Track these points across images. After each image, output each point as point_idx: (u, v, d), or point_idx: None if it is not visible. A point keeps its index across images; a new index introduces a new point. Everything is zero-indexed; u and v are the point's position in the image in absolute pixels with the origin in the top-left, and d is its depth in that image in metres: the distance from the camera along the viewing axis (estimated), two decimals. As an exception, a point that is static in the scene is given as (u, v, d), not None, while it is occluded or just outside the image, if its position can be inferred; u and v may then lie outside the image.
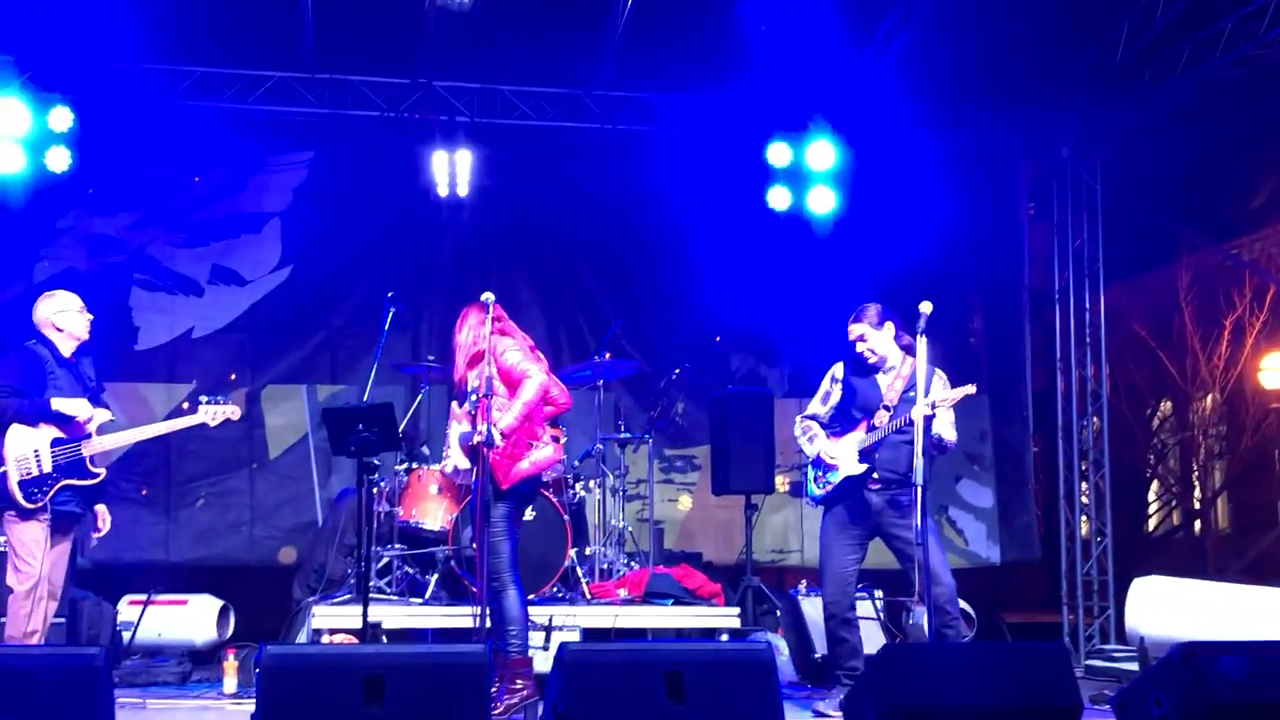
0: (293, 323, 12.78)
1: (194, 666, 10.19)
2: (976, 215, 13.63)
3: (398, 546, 10.03)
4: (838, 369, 8.51)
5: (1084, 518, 13.22)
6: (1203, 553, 18.63)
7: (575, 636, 9.19)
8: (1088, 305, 13.22)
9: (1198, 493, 19.56)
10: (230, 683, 8.98)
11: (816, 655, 9.61)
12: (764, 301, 13.46)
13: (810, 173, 12.28)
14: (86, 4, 10.71)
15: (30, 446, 7.75)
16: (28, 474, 7.71)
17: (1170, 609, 10.32)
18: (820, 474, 8.37)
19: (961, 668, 5.93)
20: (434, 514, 9.97)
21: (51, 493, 7.78)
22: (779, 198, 12.39)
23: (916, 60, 11.65)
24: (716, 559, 12.57)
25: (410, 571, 10.04)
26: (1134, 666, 10.33)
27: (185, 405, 8.62)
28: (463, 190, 12.24)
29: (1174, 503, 20.27)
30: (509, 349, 7.91)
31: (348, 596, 9.65)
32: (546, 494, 9.80)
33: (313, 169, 12.91)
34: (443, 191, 12.23)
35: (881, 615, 10.20)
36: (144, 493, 12.20)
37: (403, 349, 12.30)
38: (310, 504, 12.50)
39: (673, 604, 10.01)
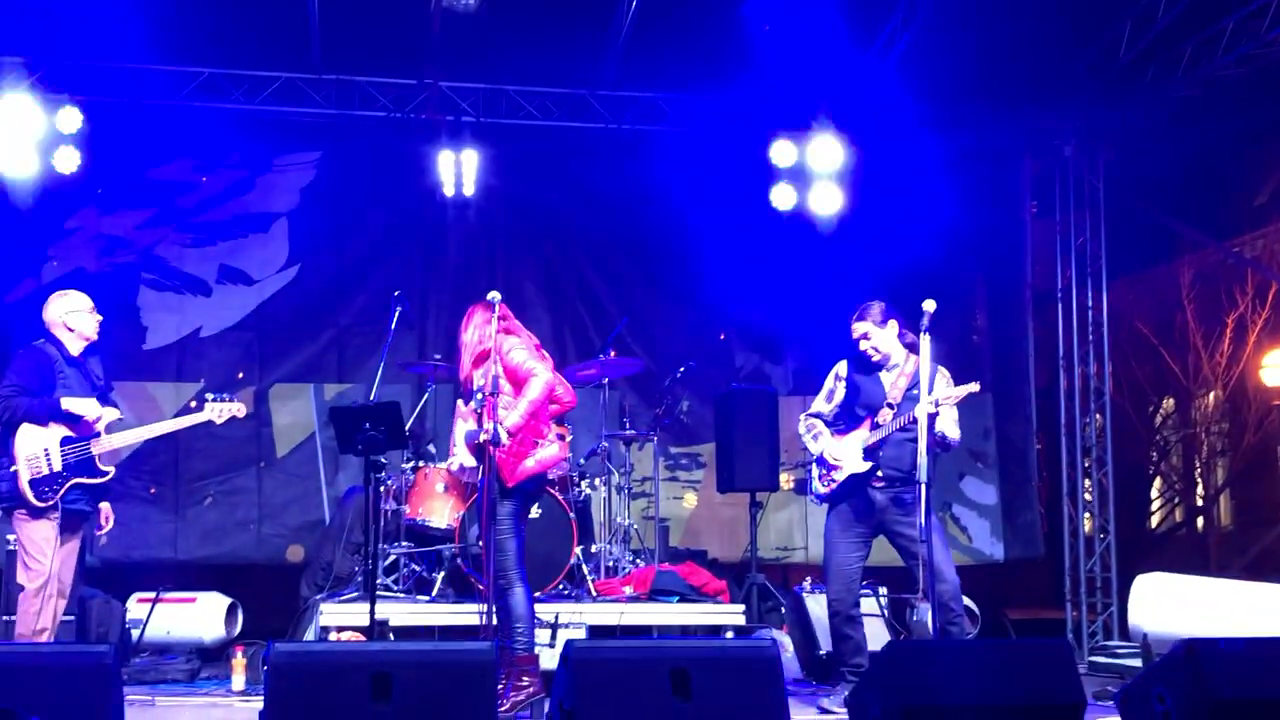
0: (300, 322, 12.81)
1: (202, 664, 10.20)
2: (979, 213, 13.63)
3: (404, 544, 10.02)
4: (841, 367, 8.50)
5: (1087, 515, 13.25)
6: (1205, 549, 18.65)
7: (581, 634, 9.15)
8: (1090, 303, 13.23)
9: (1200, 490, 19.56)
10: (238, 680, 8.98)
11: (821, 652, 9.61)
12: (768, 300, 13.48)
13: (814, 172, 12.27)
14: (95, 5, 10.73)
15: (41, 445, 7.81)
16: (38, 473, 7.76)
17: (1173, 605, 10.29)
18: (824, 472, 8.36)
19: (966, 664, 5.91)
20: (440, 512, 9.93)
21: (62, 491, 7.83)
22: (783, 197, 12.41)
23: (919, 59, 11.65)
24: (721, 556, 12.55)
25: (417, 569, 10.02)
26: (1137, 663, 10.32)
27: (193, 404, 8.64)
28: (468, 190, 12.26)
29: (1176, 500, 20.26)
30: (515, 348, 7.89)
31: (355, 594, 9.60)
32: (552, 492, 9.77)
33: (320, 169, 12.94)
34: (449, 191, 12.24)
35: (886, 612, 10.18)
36: (152, 491, 12.22)
37: (409, 348, 12.34)
38: (318, 502, 12.54)
39: (678, 601, 9.97)
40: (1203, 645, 5.65)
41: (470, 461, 8.46)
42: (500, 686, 7.17)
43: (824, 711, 8.05)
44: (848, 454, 8.22)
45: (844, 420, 8.39)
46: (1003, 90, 12.79)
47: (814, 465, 8.53)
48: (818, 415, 8.52)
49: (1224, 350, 17.65)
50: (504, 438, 7.61)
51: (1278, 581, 10.65)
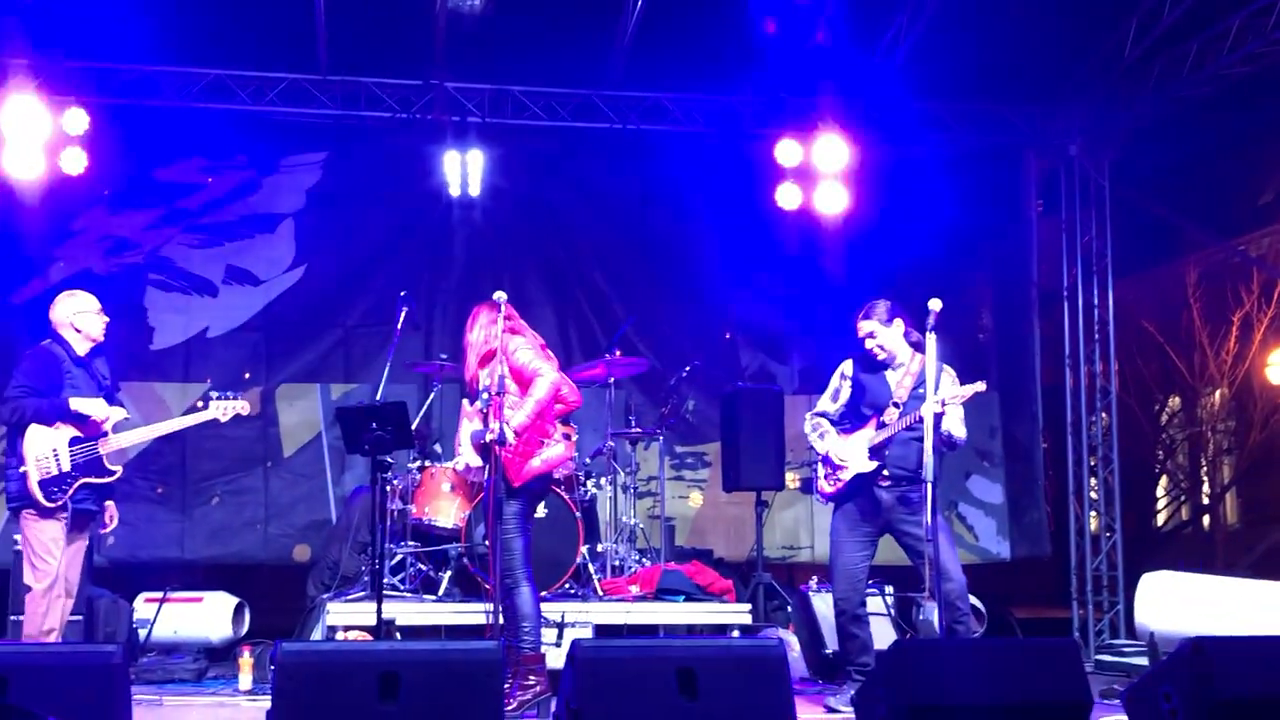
0: (307, 322, 12.82)
1: (210, 663, 10.19)
2: (985, 212, 13.62)
3: (411, 544, 10.03)
4: (846, 366, 8.50)
5: (1093, 513, 13.21)
6: (1212, 548, 18.66)
7: (587, 633, 9.14)
8: (1096, 301, 13.23)
9: (1206, 488, 19.59)
10: (246, 679, 9.00)
11: (828, 651, 9.62)
12: (774, 299, 13.52)
13: (819, 171, 12.26)
14: (101, 7, 10.75)
15: (49, 446, 7.82)
16: (48, 473, 7.77)
17: (1179, 604, 10.28)
18: (830, 471, 8.36)
19: (972, 663, 5.92)
20: (447, 511, 9.96)
21: (71, 491, 7.84)
22: (788, 196, 12.39)
23: (925, 58, 11.67)
24: (727, 555, 12.58)
25: (424, 569, 10.03)
26: (1143, 661, 10.34)
27: (200, 404, 8.64)
28: (474, 190, 12.29)
29: (1183, 498, 20.28)
30: (520, 348, 7.91)
31: (362, 594, 9.59)
32: (558, 491, 9.78)
33: (326, 170, 12.94)
34: (454, 191, 12.29)
35: (892, 611, 10.22)
36: (160, 491, 12.24)
37: (415, 348, 12.29)
38: (324, 502, 12.55)
39: (684, 600, 9.96)
40: (1209, 644, 5.63)
41: (476, 461, 8.50)
42: (507, 686, 7.15)
43: (831, 710, 8.07)
44: (853, 453, 8.22)
45: (849, 419, 8.39)
46: (1008, 89, 12.79)
47: (820, 464, 8.53)
48: (823, 414, 8.52)
49: (1230, 348, 17.65)
50: (510, 437, 7.62)
51: None
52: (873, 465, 8.13)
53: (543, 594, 8.50)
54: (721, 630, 9.78)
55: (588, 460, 10.91)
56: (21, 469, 7.76)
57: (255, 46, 11.70)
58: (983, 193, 13.54)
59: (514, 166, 12.94)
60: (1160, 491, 20.39)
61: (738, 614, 9.92)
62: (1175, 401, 19.73)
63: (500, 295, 7.86)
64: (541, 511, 9.40)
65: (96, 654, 5.56)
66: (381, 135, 12.56)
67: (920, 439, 7.66)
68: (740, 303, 13.55)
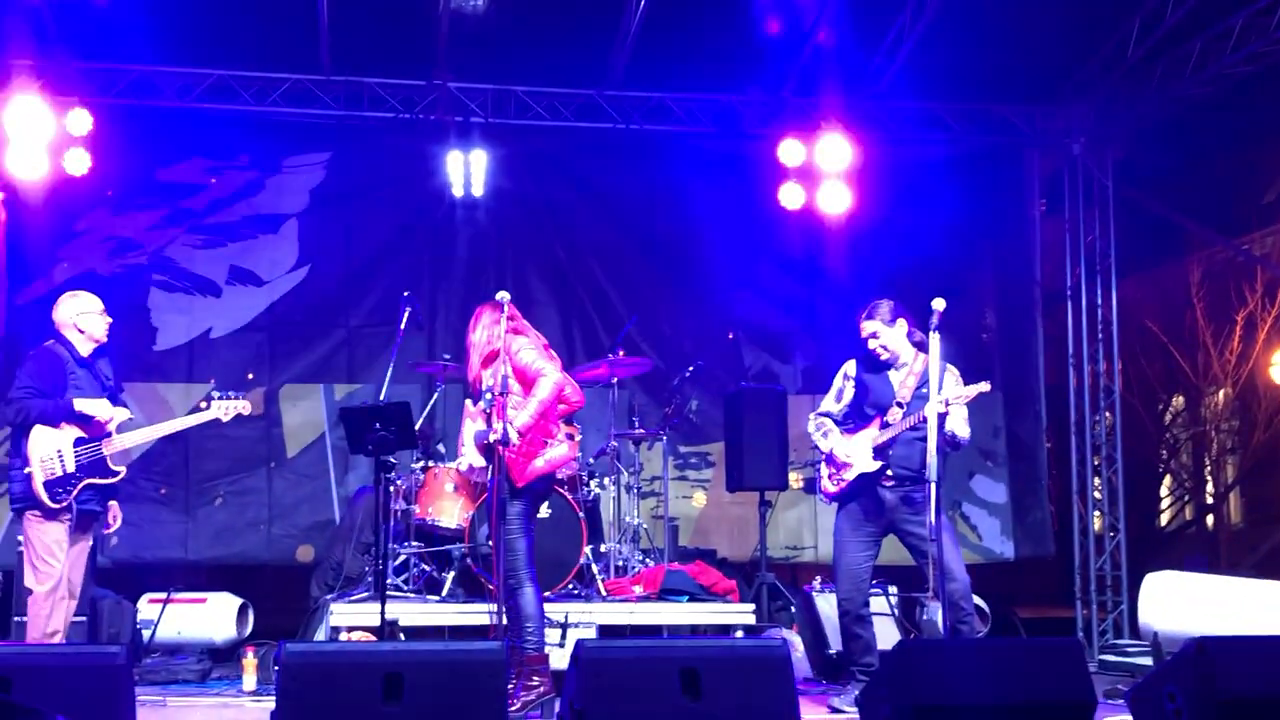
0: (310, 322, 12.83)
1: (213, 664, 10.22)
2: (988, 212, 13.67)
3: (414, 544, 10.03)
4: (850, 366, 8.51)
5: (1097, 513, 13.19)
6: (1215, 547, 18.68)
7: (591, 633, 9.16)
8: (1100, 301, 13.22)
9: (1210, 487, 19.62)
10: (249, 680, 9.03)
11: (831, 651, 9.64)
12: (777, 299, 13.56)
13: (822, 170, 12.24)
14: (104, 8, 10.77)
15: (54, 447, 7.81)
16: (52, 474, 7.76)
17: (1183, 604, 10.27)
18: (834, 471, 8.38)
19: (976, 663, 5.90)
20: (450, 512, 9.98)
21: (75, 492, 7.83)
22: (791, 195, 12.37)
23: (927, 58, 11.67)
24: (731, 556, 12.60)
25: (427, 569, 10.03)
26: (1147, 661, 10.37)
27: (203, 404, 8.66)
28: (477, 190, 12.28)
29: (1186, 498, 20.32)
30: (524, 348, 7.90)
31: (365, 594, 9.61)
32: (562, 491, 9.80)
33: (329, 170, 12.97)
34: (458, 191, 12.28)
35: (896, 611, 10.22)
36: (163, 492, 12.25)
37: (419, 348, 12.29)
38: (328, 502, 12.56)
39: (688, 601, 9.97)
40: (1213, 644, 5.63)
41: (479, 461, 8.51)
42: (510, 686, 7.17)
43: (835, 711, 8.08)
44: (857, 453, 8.24)
45: (853, 419, 8.41)
46: (1011, 89, 12.78)
47: (823, 464, 8.55)
48: (827, 414, 8.55)
49: (1233, 348, 17.70)
50: (514, 437, 7.63)
51: None
52: (877, 465, 8.15)
53: (546, 594, 8.48)
54: (725, 630, 9.80)
55: (591, 460, 10.91)
56: (26, 470, 7.74)
57: (258, 47, 11.69)
58: (986, 192, 13.57)
59: (517, 166, 12.94)
60: (1164, 491, 20.42)
61: (741, 614, 9.92)
62: (1179, 401, 19.76)
63: (504, 295, 7.86)
64: (545, 512, 9.39)
65: (100, 655, 5.57)
66: (384, 135, 12.55)
67: (924, 439, 7.65)
68: (743, 302, 13.57)
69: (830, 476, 8.44)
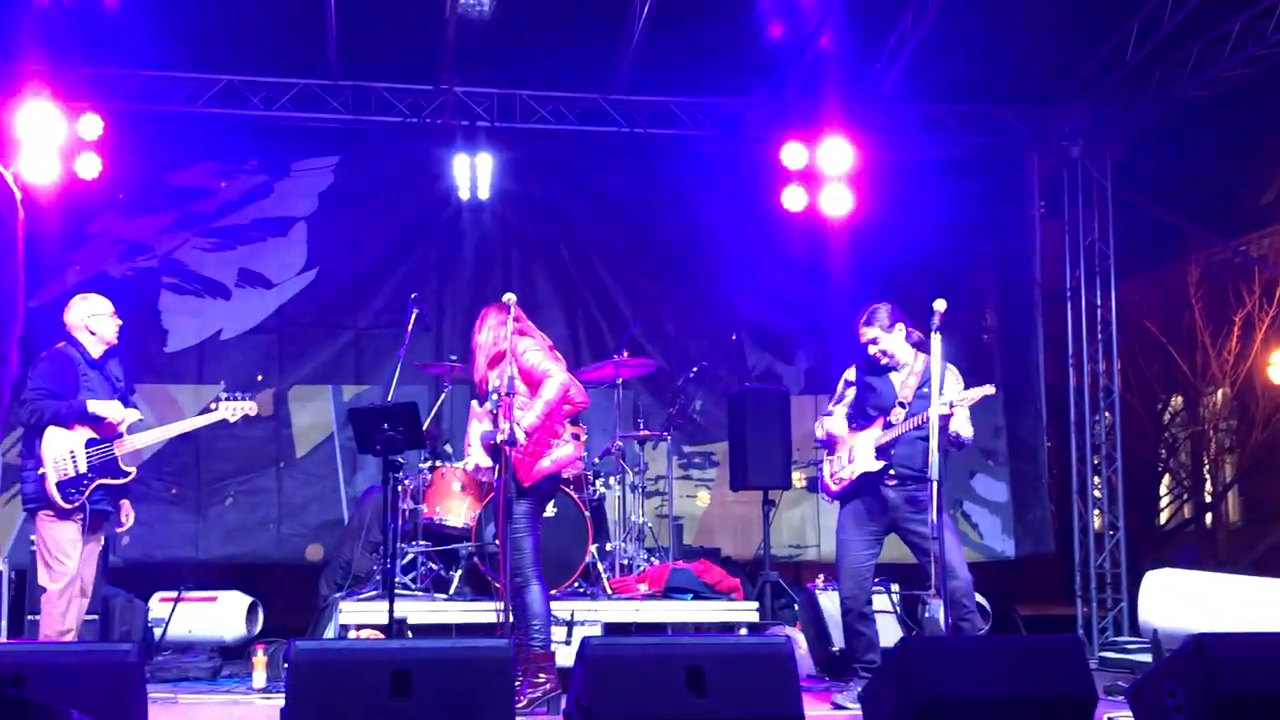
0: (319, 324, 12.86)
1: (224, 662, 10.26)
2: (988, 213, 13.72)
3: (422, 543, 10.05)
4: (850, 372, 8.58)
5: (1096, 511, 13.23)
6: (1214, 546, 18.71)
7: (597, 631, 9.14)
8: (1099, 301, 13.26)
9: (1208, 486, 19.63)
10: (259, 677, 9.05)
11: (834, 649, 9.64)
12: (780, 300, 13.59)
13: (824, 173, 12.34)
14: (116, 15, 10.82)
15: (66, 448, 7.87)
16: (65, 475, 7.81)
17: (1182, 601, 10.30)
18: (835, 471, 8.46)
19: (978, 660, 5.93)
20: (457, 511, 9.99)
21: (87, 492, 7.88)
22: (794, 198, 12.45)
23: (928, 62, 11.73)
24: (735, 554, 12.61)
25: (434, 568, 10.06)
26: (1147, 658, 10.39)
27: (213, 406, 8.71)
28: (484, 193, 12.37)
29: (1185, 496, 20.32)
30: (529, 349, 7.93)
31: (374, 592, 9.59)
32: (567, 491, 9.81)
33: (337, 174, 12.99)
34: (464, 194, 12.37)
35: (898, 609, 10.23)
36: (174, 492, 12.28)
37: (426, 349, 12.34)
38: (336, 502, 12.59)
39: (692, 599, 9.97)
40: (1212, 641, 5.66)
41: (485, 461, 8.49)
42: (517, 683, 7.19)
43: (838, 707, 8.08)
44: (860, 453, 8.29)
45: (857, 420, 8.46)
46: (1011, 92, 12.85)
47: (826, 461, 8.60)
48: (827, 414, 8.64)
49: (1231, 348, 17.69)
50: (520, 438, 7.65)
51: None
52: (879, 465, 8.19)
53: (552, 592, 8.44)
54: (729, 628, 9.81)
55: (596, 460, 10.98)
56: (40, 471, 7.79)
57: (267, 53, 11.78)
58: (986, 194, 13.63)
59: (523, 170, 12.99)
60: (1163, 490, 20.44)
61: (745, 612, 9.95)
62: (1177, 401, 19.75)
63: (510, 297, 7.91)
64: (551, 511, 9.36)
65: (112, 653, 5.60)
66: (392, 139, 12.59)
67: (926, 438, 7.67)
68: (747, 304, 13.60)
69: (832, 476, 8.49)
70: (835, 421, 8.55)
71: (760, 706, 5.51)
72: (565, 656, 7.50)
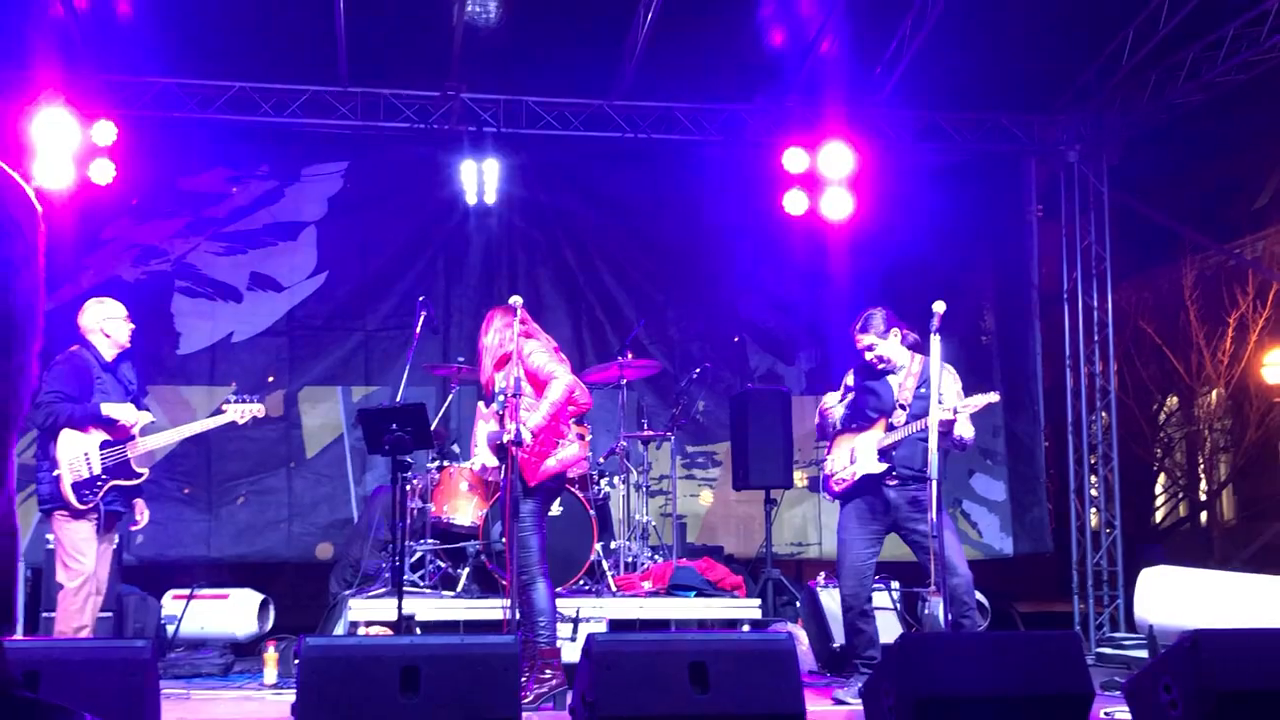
0: (328, 326, 12.89)
1: (236, 658, 10.29)
2: (987, 217, 13.79)
3: (430, 541, 10.11)
4: (849, 378, 8.66)
5: (1093, 510, 13.29)
6: (1209, 543, 18.79)
7: (602, 628, 9.19)
8: (1096, 304, 13.31)
9: (1204, 485, 19.68)
10: (270, 673, 9.07)
11: (835, 645, 9.65)
12: (781, 302, 13.65)
13: (825, 177, 12.40)
14: (129, 23, 10.94)
15: (80, 450, 7.95)
16: (79, 476, 7.90)
17: (1178, 598, 10.32)
18: (836, 472, 8.54)
19: (977, 656, 6.00)
20: (465, 510, 10.06)
21: (101, 493, 7.97)
22: (795, 202, 12.52)
23: (927, 68, 11.78)
24: (737, 552, 12.66)
25: (442, 566, 10.12)
26: (1143, 654, 10.39)
27: (223, 408, 8.79)
28: (490, 197, 12.46)
29: (1180, 495, 20.38)
30: (535, 351, 7.99)
31: (383, 590, 9.65)
32: (573, 490, 9.84)
33: (347, 179, 13.04)
34: (471, 199, 12.45)
35: (898, 606, 10.27)
36: (186, 491, 12.32)
37: (434, 351, 12.40)
38: (346, 501, 12.63)
39: (695, 596, 10.03)
40: (1207, 637, 5.69)
41: (492, 461, 8.56)
42: (524, 679, 7.20)
43: (839, 703, 8.13)
44: (863, 454, 8.38)
45: (856, 421, 8.54)
46: (1009, 97, 12.90)
47: (828, 460, 8.67)
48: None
49: (1226, 349, 17.75)
50: (527, 438, 7.72)
51: (1279, 574, 10.72)
52: (882, 467, 8.28)
53: (558, 590, 8.53)
54: (732, 625, 9.86)
55: (601, 460, 11.08)
56: (55, 472, 7.86)
57: (277, 60, 11.82)
58: (984, 198, 13.71)
59: (529, 175, 13.10)
60: (1159, 489, 20.50)
61: (748, 609, 10.01)
62: (1173, 401, 19.80)
63: (516, 300, 7.98)
64: (556, 509, 9.46)
65: (126, 649, 5.64)
66: (400, 145, 12.69)
67: (926, 439, 7.73)
68: (749, 306, 13.67)
69: (833, 477, 8.56)
70: (831, 396, 8.65)
71: (762, 702, 5.57)
72: (571, 652, 7.69)
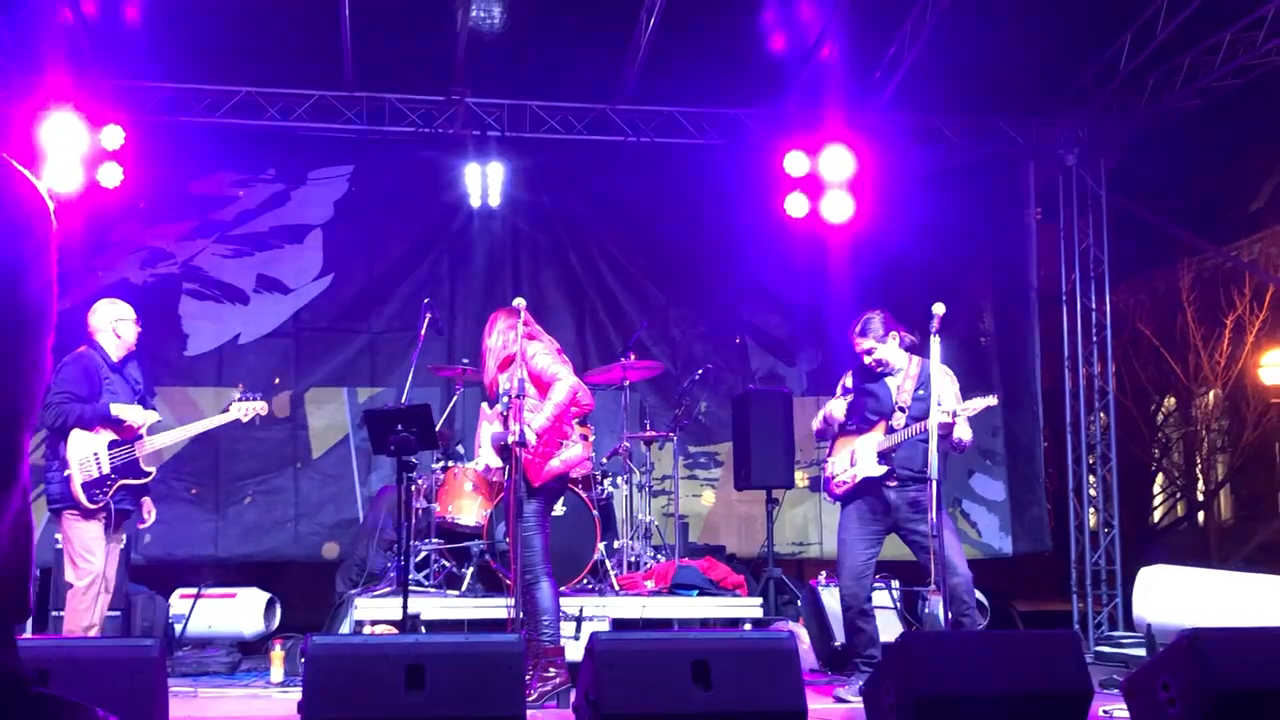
0: (334, 328, 12.95)
1: (242, 656, 10.34)
2: (986, 220, 13.83)
3: (435, 541, 10.16)
4: (847, 379, 8.70)
5: (1092, 510, 13.33)
6: (1206, 542, 18.85)
7: (605, 626, 9.22)
8: (1094, 305, 13.36)
9: (1201, 485, 19.72)
10: (277, 672, 9.10)
11: (836, 644, 9.65)
12: (782, 304, 13.72)
13: (825, 180, 12.47)
14: (138, 29, 10.99)
15: (90, 450, 8.00)
16: (90, 476, 7.94)
17: (1175, 597, 10.38)
18: (836, 474, 8.59)
19: (977, 655, 6.04)
20: (469, 510, 10.09)
21: (111, 492, 8.02)
22: (796, 205, 12.58)
23: (927, 72, 11.83)
24: (739, 552, 12.71)
25: (447, 565, 10.17)
26: (1141, 652, 10.42)
27: (228, 407, 8.83)
28: (494, 201, 12.48)
29: (1178, 495, 20.42)
30: (539, 353, 8.00)
31: (388, 589, 9.66)
32: (576, 490, 9.88)
33: (352, 182, 13.11)
34: (475, 202, 12.49)
35: (898, 605, 10.30)
36: (194, 492, 12.36)
37: (438, 352, 12.43)
38: (352, 501, 12.68)
39: (698, 595, 10.07)
40: (1205, 636, 5.71)
41: (495, 462, 8.61)
42: (528, 677, 7.13)
43: (840, 701, 8.14)
44: (863, 456, 8.43)
45: (855, 423, 8.58)
46: (1008, 101, 12.96)
47: (830, 463, 8.71)
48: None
49: (1223, 350, 17.82)
50: (531, 439, 7.75)
51: (1276, 573, 10.81)
52: (881, 470, 8.32)
53: (562, 589, 8.48)
54: (734, 623, 9.88)
55: (604, 460, 11.08)
56: (66, 472, 7.90)
57: (284, 65, 11.88)
58: (983, 201, 13.77)
59: (532, 178, 13.15)
60: (1157, 489, 20.55)
61: (749, 608, 10.05)
62: (1170, 402, 19.84)
63: (519, 302, 8.01)
64: (560, 509, 9.49)
65: (134, 648, 5.68)
66: (405, 149, 12.72)
67: (926, 441, 7.80)
68: (750, 307, 13.72)
69: (834, 479, 8.62)
70: (836, 404, 8.65)
71: (764, 700, 5.60)
72: (574, 651, 7.63)
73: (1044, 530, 14.06)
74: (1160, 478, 20.58)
